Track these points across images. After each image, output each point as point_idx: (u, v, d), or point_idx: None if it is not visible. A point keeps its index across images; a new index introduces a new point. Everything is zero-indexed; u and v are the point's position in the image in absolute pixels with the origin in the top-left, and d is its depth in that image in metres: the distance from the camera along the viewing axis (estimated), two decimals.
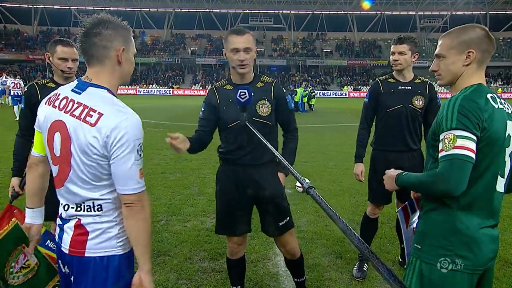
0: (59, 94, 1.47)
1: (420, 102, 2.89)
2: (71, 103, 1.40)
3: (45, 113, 1.47)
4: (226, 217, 2.39)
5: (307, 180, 1.45)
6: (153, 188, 5.45)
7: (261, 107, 2.29)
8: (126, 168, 1.35)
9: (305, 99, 22.16)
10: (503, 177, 1.52)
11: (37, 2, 63.81)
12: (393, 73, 3.00)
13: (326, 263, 3.29)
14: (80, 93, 1.42)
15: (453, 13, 63.33)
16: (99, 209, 1.42)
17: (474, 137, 1.41)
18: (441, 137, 1.45)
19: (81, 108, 1.37)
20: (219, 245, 3.59)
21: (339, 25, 66.60)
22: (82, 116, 1.36)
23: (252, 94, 2.16)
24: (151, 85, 56.09)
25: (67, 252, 1.45)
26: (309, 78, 55.64)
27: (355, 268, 3.13)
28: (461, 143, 1.39)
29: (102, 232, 1.42)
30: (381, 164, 2.97)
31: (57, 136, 1.41)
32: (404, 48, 2.82)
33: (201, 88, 56.34)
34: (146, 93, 51.33)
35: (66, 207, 1.47)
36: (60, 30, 66.84)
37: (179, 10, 66.12)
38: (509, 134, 1.49)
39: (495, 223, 1.55)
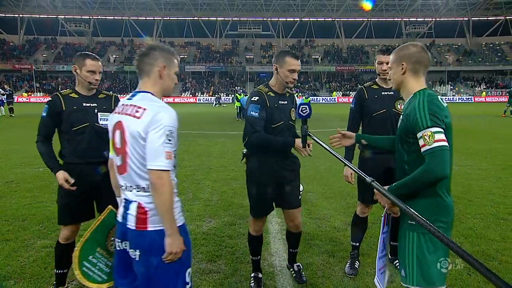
0: (121, 103, 1.89)
1: (403, 106, 3.09)
2: (125, 107, 1.82)
3: (111, 119, 1.90)
4: (262, 202, 2.87)
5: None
6: None
7: (292, 113, 2.87)
8: (155, 146, 1.67)
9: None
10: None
11: (23, 11, 63.18)
12: (376, 79, 3.20)
13: (319, 262, 3.44)
14: (132, 99, 1.84)
15: (437, 19, 64.89)
16: None
17: (442, 130, 1.79)
18: (420, 134, 1.80)
19: (131, 107, 1.78)
20: (216, 248, 3.72)
21: (327, 32, 67.68)
22: (132, 113, 1.75)
23: (311, 109, 2.62)
24: None
25: (134, 228, 1.76)
26: (298, 84, 56.17)
27: (347, 265, 3.28)
28: (438, 137, 1.76)
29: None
30: (369, 165, 3.14)
31: (118, 133, 1.81)
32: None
33: (190, 95, 56.36)
34: None
35: (129, 189, 1.80)
36: (47, 39, 66.25)
37: (168, 18, 66.25)
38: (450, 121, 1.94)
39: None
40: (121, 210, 1.87)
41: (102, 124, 2.70)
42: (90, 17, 65.02)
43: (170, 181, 1.69)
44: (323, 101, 52.34)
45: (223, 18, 66.00)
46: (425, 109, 1.80)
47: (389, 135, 3.05)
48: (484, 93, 55.49)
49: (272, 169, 2.82)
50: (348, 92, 56.01)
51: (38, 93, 56.01)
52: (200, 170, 7.35)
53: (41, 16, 64.16)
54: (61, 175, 2.64)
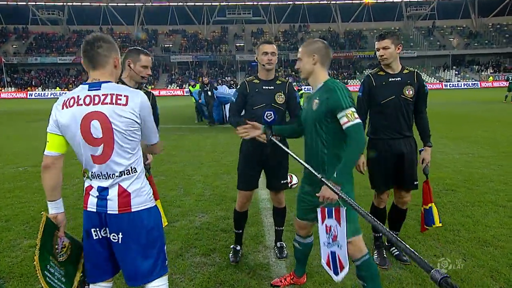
0: (78, 96, 1.98)
1: (411, 92, 3.27)
2: (97, 97, 1.95)
3: (70, 113, 1.96)
4: (245, 177, 3.47)
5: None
6: None
7: (278, 97, 3.36)
8: (151, 124, 2.09)
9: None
10: None
11: None
12: (382, 66, 3.36)
13: (314, 252, 3.66)
14: (100, 89, 1.98)
15: None
16: (135, 171, 2.04)
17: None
18: (342, 113, 2.37)
19: (109, 96, 1.95)
20: (210, 242, 3.92)
21: (322, 16, 67.85)
22: (114, 101, 1.95)
23: (277, 115, 3.24)
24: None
25: (116, 212, 2.00)
26: (293, 73, 56.37)
27: (376, 256, 3.49)
28: (356, 115, 2.37)
29: (138, 191, 2.04)
30: (379, 152, 3.36)
31: (95, 123, 1.93)
32: (386, 43, 3.22)
33: (178, 87, 56.17)
34: None
35: (109, 178, 2.00)
36: (17, 28, 65.44)
37: (150, 4, 65.83)
38: None
39: None
40: (93, 200, 2.02)
41: None
42: (64, 3, 64.25)
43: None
44: None
45: (210, 4, 65.75)
46: (345, 94, 2.41)
47: (398, 122, 3.28)
48: (491, 77, 56.27)
49: (256, 149, 3.34)
50: (346, 81, 56.32)
51: (9, 87, 55.46)
52: (191, 166, 7.54)
53: (9, 3, 63.23)
54: None
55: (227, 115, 13.35)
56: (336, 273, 2.44)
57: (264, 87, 3.37)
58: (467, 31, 66.57)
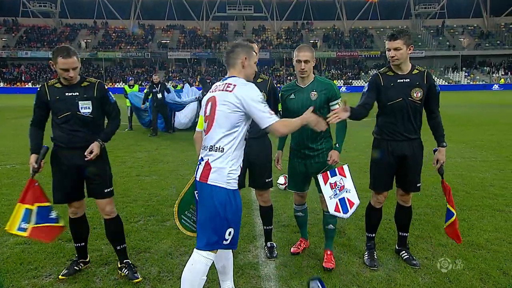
0: (214, 86, 2.72)
1: (419, 94, 3.33)
2: (218, 86, 2.68)
3: (205, 98, 2.72)
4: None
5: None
6: (129, 190, 5.90)
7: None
8: (261, 109, 2.51)
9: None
10: None
11: None
12: (391, 66, 3.41)
13: (305, 252, 3.81)
14: (223, 81, 2.69)
15: None
16: (222, 151, 2.53)
17: None
18: (335, 102, 3.40)
19: (224, 85, 2.63)
20: None
21: (327, 13, 67.89)
22: (224, 88, 2.60)
23: None
24: (117, 83, 55.43)
25: (198, 179, 2.59)
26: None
27: (366, 257, 3.60)
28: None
29: (218, 169, 2.51)
30: (381, 152, 3.47)
31: (209, 105, 2.64)
32: (398, 43, 3.25)
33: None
34: (112, 92, 50.80)
35: (205, 149, 2.61)
36: (7, 21, 65.55)
37: None
38: None
39: None
40: (197, 166, 2.67)
41: (83, 113, 3.17)
42: None
43: (283, 125, 2.57)
44: None
45: None
46: (336, 87, 3.49)
47: (404, 124, 3.37)
48: (502, 80, 56.46)
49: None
50: (350, 81, 56.48)
51: None
52: (185, 165, 7.69)
53: None
54: (32, 158, 3.22)
55: (175, 124, 13.43)
56: (346, 212, 3.30)
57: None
58: (478, 30, 66.74)
